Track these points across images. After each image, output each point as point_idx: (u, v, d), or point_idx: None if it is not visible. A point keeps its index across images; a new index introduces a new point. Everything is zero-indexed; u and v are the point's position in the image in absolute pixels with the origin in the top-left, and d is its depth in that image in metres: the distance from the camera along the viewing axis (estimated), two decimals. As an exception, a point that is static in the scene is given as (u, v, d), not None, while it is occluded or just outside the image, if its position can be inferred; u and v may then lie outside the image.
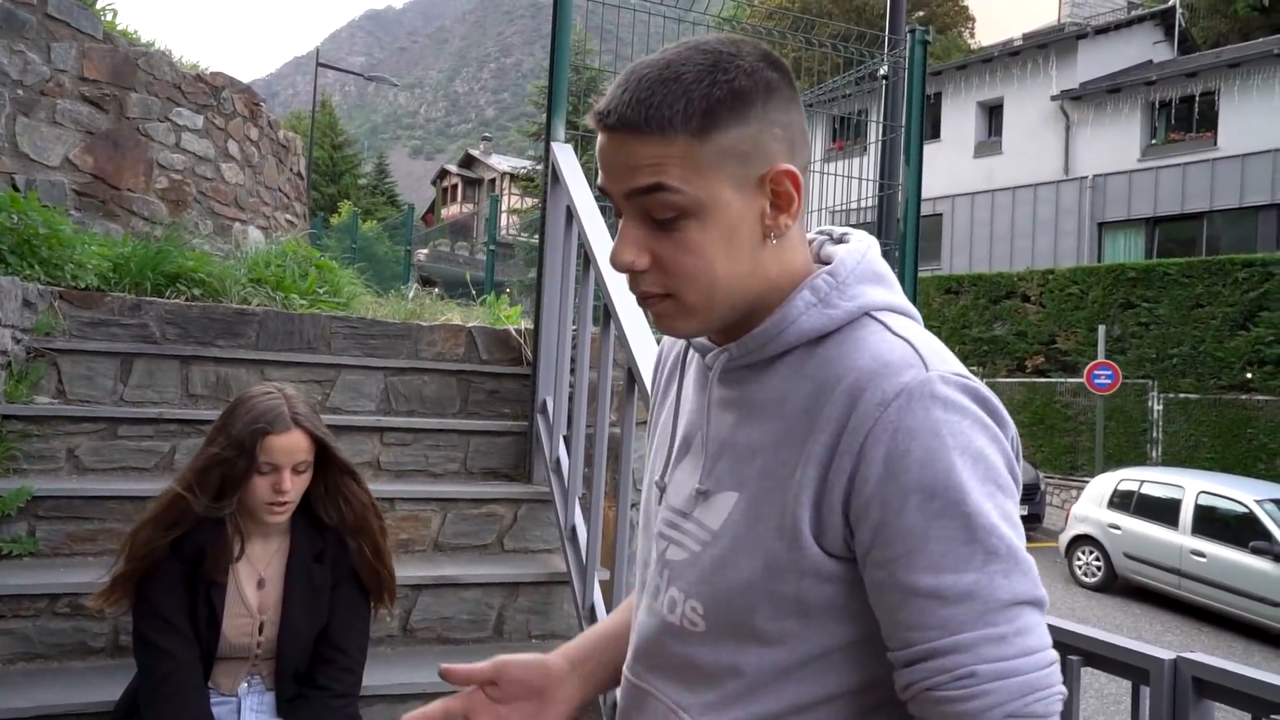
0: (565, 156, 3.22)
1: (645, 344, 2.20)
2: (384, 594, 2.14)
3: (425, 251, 19.17)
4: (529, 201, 30.57)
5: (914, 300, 2.29)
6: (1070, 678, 1.57)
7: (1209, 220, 18.96)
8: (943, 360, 0.82)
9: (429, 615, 2.83)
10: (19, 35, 5.00)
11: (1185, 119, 19.57)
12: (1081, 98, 20.57)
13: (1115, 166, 20.01)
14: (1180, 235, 19.34)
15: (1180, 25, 23.88)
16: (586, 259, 2.75)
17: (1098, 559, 10.81)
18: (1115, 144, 20.08)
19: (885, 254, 1.05)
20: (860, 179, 4.71)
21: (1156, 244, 19.56)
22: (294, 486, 1.94)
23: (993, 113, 22.58)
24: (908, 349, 0.82)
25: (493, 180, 48.20)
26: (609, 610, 2.41)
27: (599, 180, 0.88)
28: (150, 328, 3.36)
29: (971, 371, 0.99)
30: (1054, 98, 20.93)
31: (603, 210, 2.87)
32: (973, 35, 39.82)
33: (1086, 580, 10.83)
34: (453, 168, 56.64)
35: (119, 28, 6.16)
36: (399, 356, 3.67)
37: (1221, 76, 18.81)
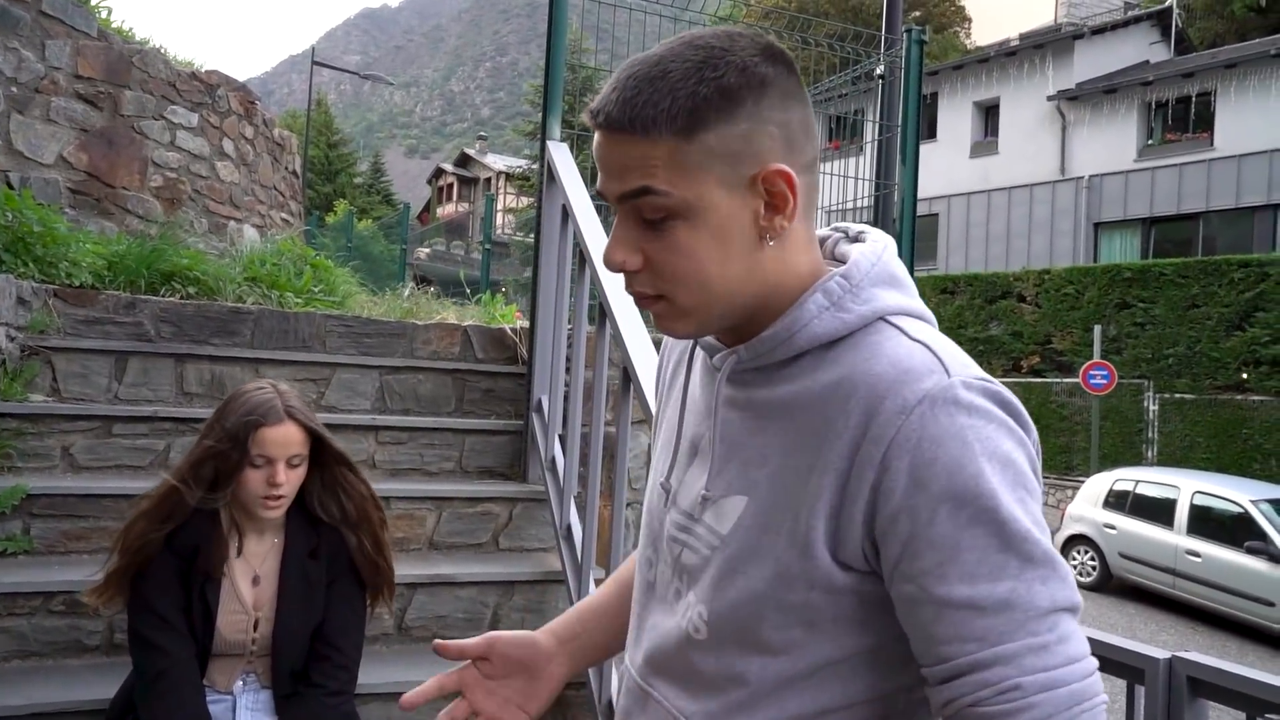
0: (561, 155, 3.22)
1: (641, 343, 2.20)
2: (383, 589, 2.13)
3: (425, 251, 19.16)
4: (525, 200, 30.55)
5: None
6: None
7: (1205, 221, 18.99)
8: (963, 364, 0.80)
9: (424, 614, 2.82)
10: (13, 32, 4.99)
11: (1182, 119, 19.60)
12: (1078, 98, 20.60)
13: (1111, 167, 20.04)
14: (1176, 235, 19.37)
15: (1177, 25, 23.92)
16: (582, 258, 2.75)
17: (1093, 559, 10.83)
18: (1111, 144, 20.11)
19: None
20: (856, 178, 4.71)
21: (1152, 244, 19.59)
22: (288, 480, 1.94)
23: (989, 113, 22.60)
24: (927, 354, 0.80)
25: (488, 179, 48.12)
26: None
27: (598, 180, 0.88)
28: (145, 326, 3.35)
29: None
30: (1050, 98, 20.95)
31: (598, 209, 2.87)
32: (969, 35, 39.84)
33: (1082, 580, 10.84)
34: (448, 167, 56.56)
35: (113, 25, 6.14)
36: (394, 355, 3.67)
37: (1218, 77, 18.84)
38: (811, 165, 0.87)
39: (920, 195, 4.67)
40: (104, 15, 6.02)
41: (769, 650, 0.84)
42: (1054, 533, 11.65)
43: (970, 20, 40.43)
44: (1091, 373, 13.50)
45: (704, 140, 0.81)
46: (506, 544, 3.15)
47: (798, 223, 0.86)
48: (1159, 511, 10.19)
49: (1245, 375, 14.36)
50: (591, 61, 4.53)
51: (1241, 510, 9.45)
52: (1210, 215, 18.92)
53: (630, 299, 0.90)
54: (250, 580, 2.00)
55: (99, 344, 3.20)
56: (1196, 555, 9.59)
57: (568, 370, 3.00)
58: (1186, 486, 10.15)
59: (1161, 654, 1.46)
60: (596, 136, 0.84)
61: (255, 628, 1.98)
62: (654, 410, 1.95)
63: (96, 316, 3.31)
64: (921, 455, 0.75)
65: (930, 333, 0.84)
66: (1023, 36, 24.18)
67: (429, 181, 58.84)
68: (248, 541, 2.01)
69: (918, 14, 34.46)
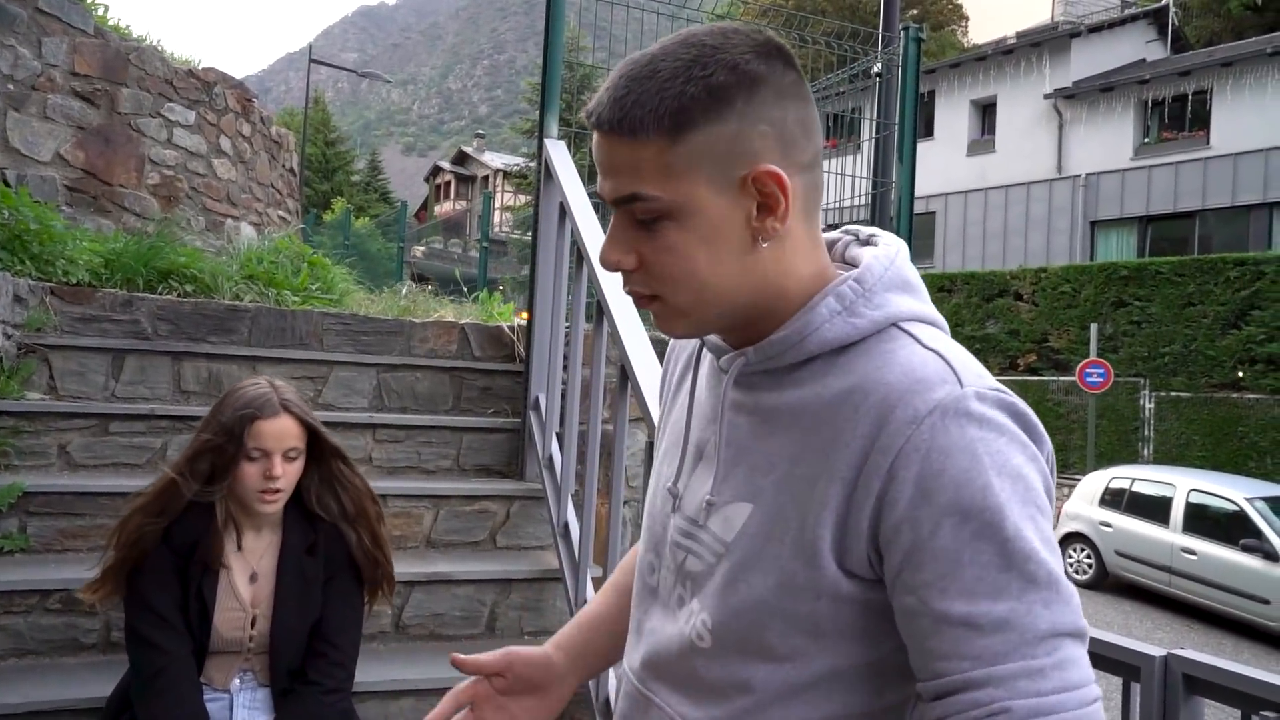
0: (558, 153, 3.22)
1: (639, 341, 2.20)
2: (382, 584, 2.13)
3: (421, 249, 19.13)
4: (522, 198, 30.51)
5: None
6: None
7: (1201, 219, 19.02)
8: (977, 375, 0.78)
9: (421, 612, 2.82)
10: (9, 30, 4.98)
11: (1178, 118, 19.62)
12: (1074, 96, 20.61)
13: (1108, 165, 20.06)
14: (1172, 234, 19.39)
15: (1173, 24, 23.94)
16: (579, 256, 2.75)
17: (1089, 556, 10.85)
18: (1108, 142, 20.13)
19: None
20: (854, 176, 4.71)
21: (1149, 242, 19.61)
22: (285, 474, 1.94)
23: (986, 111, 22.62)
24: (940, 363, 0.78)
25: (486, 177, 48.10)
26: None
27: (597, 179, 0.87)
28: (142, 324, 3.35)
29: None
30: (1047, 96, 20.97)
31: (596, 206, 2.87)
32: (966, 33, 39.88)
33: (1078, 578, 10.86)
34: (446, 164, 56.52)
35: (110, 22, 6.13)
36: (392, 353, 3.67)
37: (1214, 75, 18.86)
38: (811, 165, 0.85)
39: (917, 193, 4.67)
40: (101, 12, 6.01)
41: (774, 658, 0.82)
42: (1050, 531, 11.68)
43: (967, 18, 40.46)
44: (1088, 371, 13.52)
45: (691, 141, 0.79)
46: (504, 542, 3.15)
47: (797, 224, 0.84)
48: (1155, 509, 10.21)
49: (1241, 373, 14.38)
50: (589, 59, 4.53)
51: (1237, 508, 9.47)
52: (1206, 213, 18.95)
53: (628, 297, 0.89)
54: (248, 577, 2.00)
55: (96, 342, 3.20)
56: (1192, 553, 9.62)
57: (565, 368, 3.00)
58: (1182, 484, 10.17)
59: (1157, 652, 1.47)
60: (593, 136, 0.84)
61: (253, 625, 1.98)
62: (651, 409, 1.95)
63: (93, 314, 3.30)
64: (929, 466, 0.73)
65: (943, 340, 0.83)
66: (1020, 35, 24.22)
67: (426, 179, 58.80)
68: (245, 538, 2.01)
69: (915, 12, 34.48)
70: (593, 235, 2.66)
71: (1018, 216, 21.22)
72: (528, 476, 3.34)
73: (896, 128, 4.53)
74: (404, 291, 5.32)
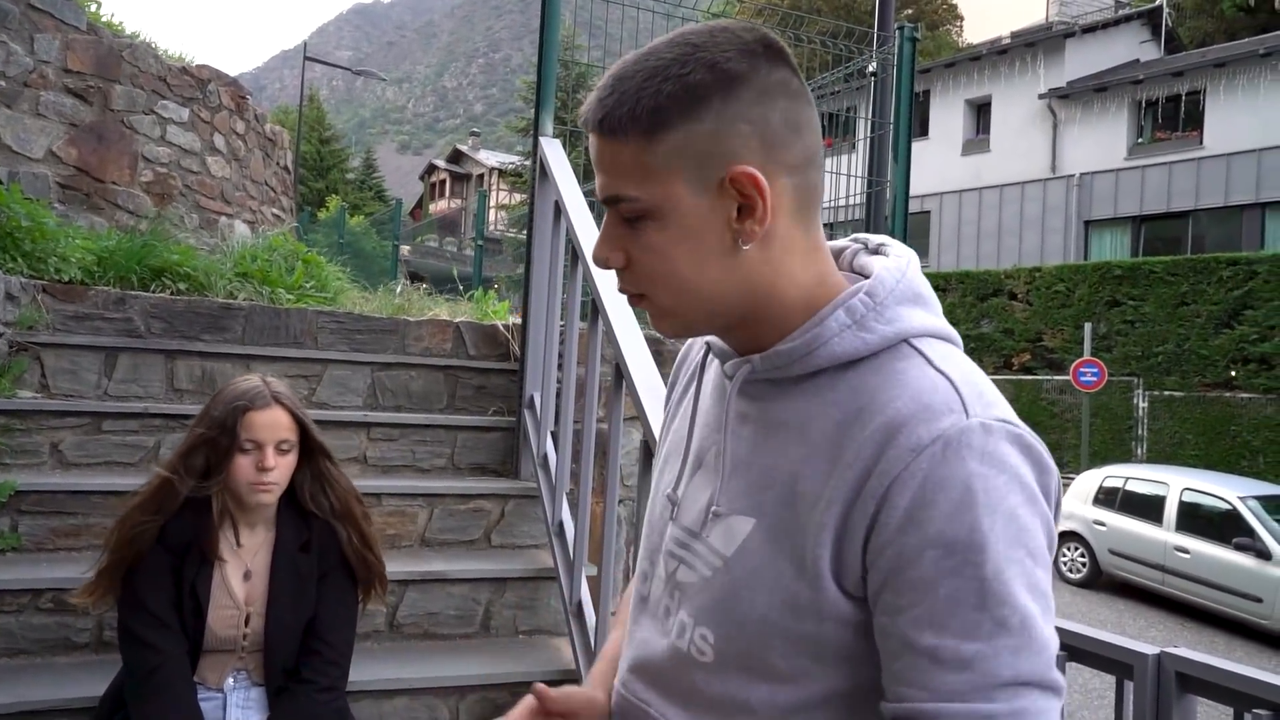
0: (553, 151, 3.22)
1: (633, 339, 2.20)
2: (374, 583, 2.13)
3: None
4: (517, 197, 30.49)
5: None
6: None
7: (1194, 219, 19.08)
8: (985, 403, 0.76)
9: (416, 611, 2.82)
10: (1, 26, 4.96)
11: (1171, 118, 19.69)
12: (1069, 96, 20.66)
13: (1102, 165, 20.12)
14: (1166, 233, 19.46)
15: (1167, 25, 24.00)
16: (574, 254, 2.75)
17: (1083, 555, 10.88)
18: (1102, 142, 20.19)
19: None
20: (849, 175, 4.72)
21: (1142, 242, 19.67)
22: (278, 466, 1.95)
23: (980, 110, 22.67)
24: (949, 390, 0.76)
25: (481, 175, 48.03)
26: (595, 606, 2.41)
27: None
28: (135, 322, 3.34)
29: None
30: (1041, 96, 21.02)
31: (591, 205, 2.87)
32: (961, 33, 39.94)
33: (1072, 576, 10.90)
34: (441, 163, 56.44)
35: (103, 19, 6.12)
36: (386, 351, 3.66)
37: (1207, 76, 18.92)
38: (803, 165, 0.82)
39: (912, 193, 4.68)
40: (94, 9, 6.00)
41: (776, 678, 0.81)
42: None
43: (962, 18, 40.52)
44: (1082, 370, 13.56)
45: (668, 141, 0.79)
46: (498, 541, 3.15)
47: (789, 226, 0.83)
48: (1148, 508, 10.24)
49: (1234, 373, 14.43)
50: (584, 58, 4.53)
51: (1230, 507, 9.50)
52: (1199, 213, 19.01)
53: (623, 295, 0.89)
54: (242, 575, 1.99)
55: (88, 340, 3.19)
56: (1185, 552, 9.65)
57: (560, 367, 3.00)
58: (1175, 483, 10.20)
59: (1150, 650, 1.47)
60: (588, 135, 0.85)
61: (246, 623, 1.98)
62: (646, 408, 1.95)
63: (86, 312, 3.29)
64: (922, 496, 0.73)
65: (954, 361, 0.81)
66: (1014, 35, 24.28)
67: (421, 178, 58.69)
68: (240, 534, 2.01)
69: (910, 11, 34.52)
70: (588, 234, 2.65)
71: (1012, 216, 21.27)
72: (522, 475, 3.33)
73: (891, 127, 4.54)
74: (399, 290, 5.30)
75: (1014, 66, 21.76)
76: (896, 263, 0.88)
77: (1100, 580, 10.70)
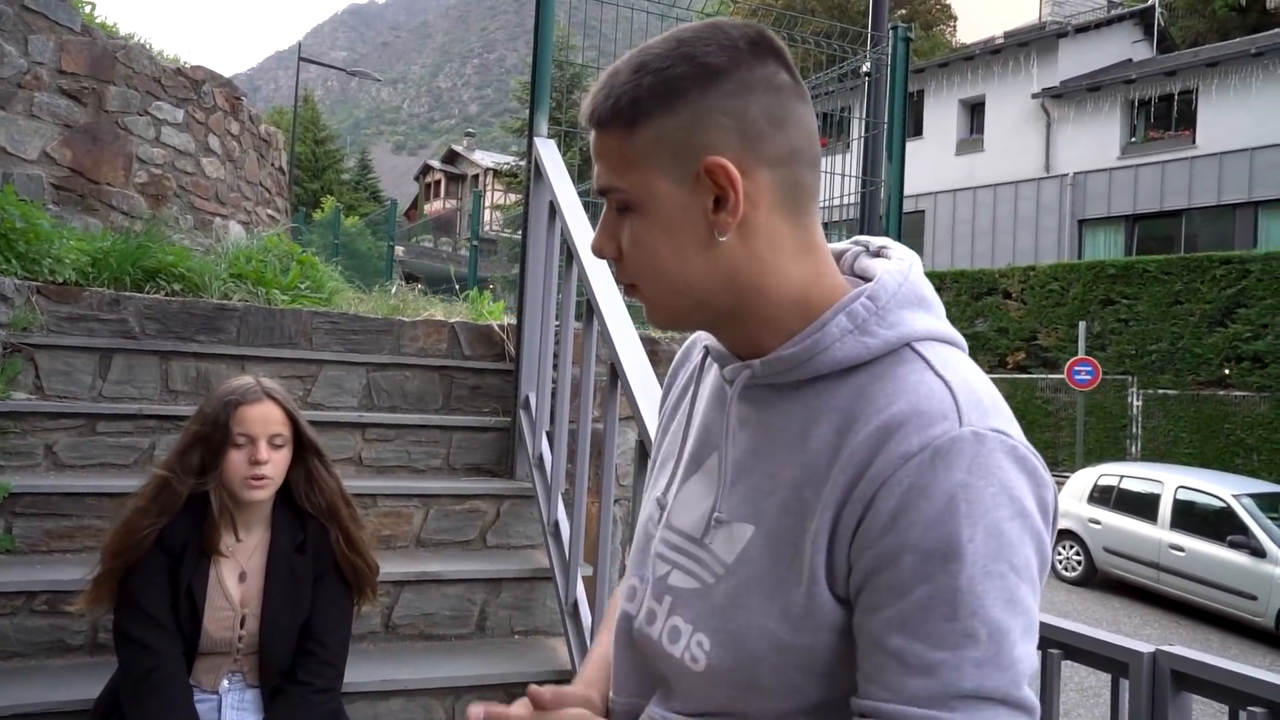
0: (548, 152, 3.22)
1: (629, 339, 2.20)
2: (364, 587, 2.13)
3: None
4: (512, 197, 30.50)
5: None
6: (1051, 671, 1.58)
7: (1187, 218, 19.13)
8: (982, 413, 0.75)
9: (411, 612, 2.82)
10: (-5, 27, 4.94)
11: (1164, 117, 19.73)
12: (1062, 96, 20.71)
13: (1095, 164, 20.16)
14: (1159, 232, 19.50)
15: (1159, 24, 24.07)
16: (569, 254, 2.75)
17: (1078, 553, 10.90)
18: (1095, 142, 20.23)
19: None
20: (843, 175, 4.72)
21: (1136, 241, 19.72)
22: (272, 461, 1.95)
23: (974, 110, 22.70)
24: (946, 396, 0.76)
25: (476, 176, 48.03)
26: (591, 606, 2.42)
27: None
28: (129, 323, 3.33)
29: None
30: (1035, 95, 21.05)
31: (586, 205, 2.87)
32: (955, 33, 39.98)
33: (1067, 574, 10.92)
34: (436, 163, 56.40)
35: (98, 20, 6.10)
36: (381, 352, 3.65)
37: (1200, 75, 18.97)
38: (787, 160, 0.82)
39: (906, 192, 4.69)
40: (88, 10, 5.97)
41: (767, 694, 0.81)
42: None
43: (956, 18, 40.57)
44: (1076, 369, 13.59)
45: (646, 133, 0.81)
46: (494, 541, 3.15)
47: (774, 220, 0.82)
48: (1143, 506, 10.26)
49: (1227, 371, 14.47)
50: (579, 58, 4.52)
51: (1224, 505, 9.52)
52: (1192, 212, 19.06)
53: (618, 295, 0.90)
54: (237, 576, 1.99)
55: (83, 341, 3.18)
56: (1180, 550, 9.67)
57: (555, 367, 3.00)
58: (1170, 481, 10.22)
59: (1146, 648, 1.47)
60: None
61: (242, 624, 1.98)
62: (641, 407, 1.95)
63: (80, 313, 3.28)
64: (905, 502, 0.72)
65: (955, 366, 0.80)
66: (1008, 35, 24.31)
67: (416, 178, 58.64)
68: (237, 533, 2.01)
69: (904, 12, 34.56)
70: (582, 234, 2.65)
71: (1006, 215, 21.30)
72: (518, 475, 3.33)
73: (885, 127, 4.55)
74: (394, 290, 5.30)
75: (1007, 66, 21.80)
76: (899, 265, 0.87)
77: (1095, 578, 10.72)
